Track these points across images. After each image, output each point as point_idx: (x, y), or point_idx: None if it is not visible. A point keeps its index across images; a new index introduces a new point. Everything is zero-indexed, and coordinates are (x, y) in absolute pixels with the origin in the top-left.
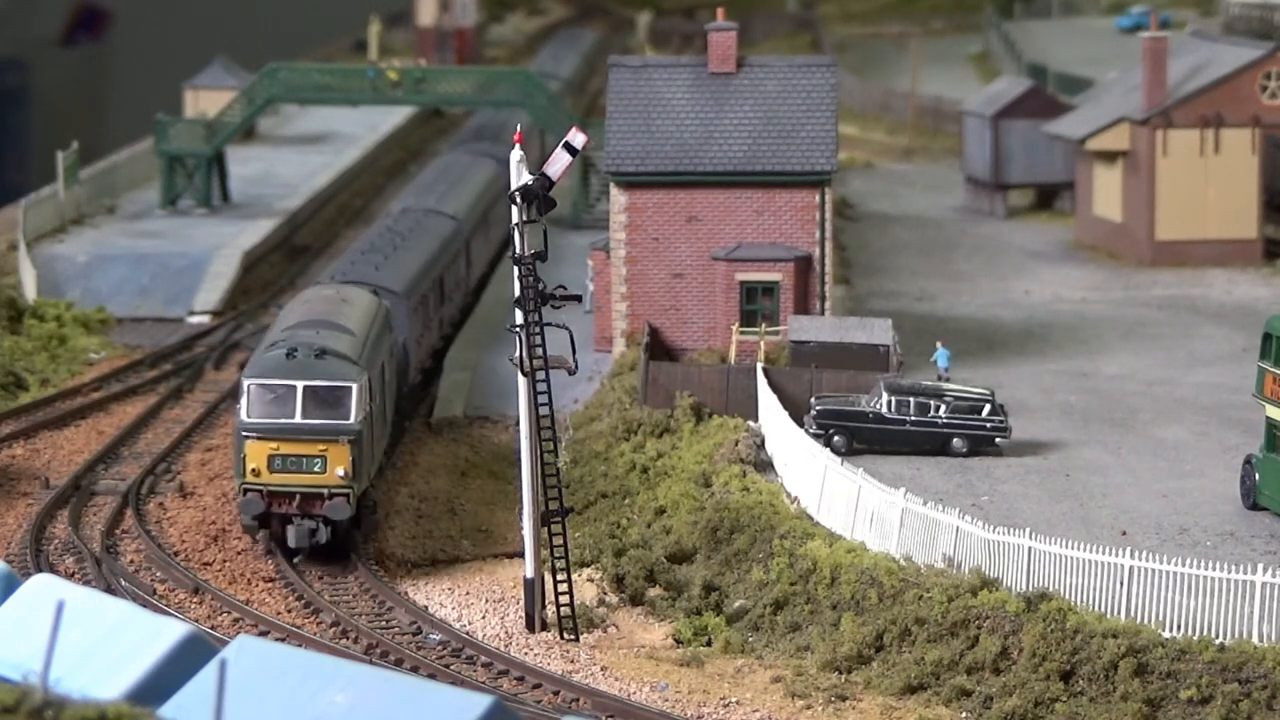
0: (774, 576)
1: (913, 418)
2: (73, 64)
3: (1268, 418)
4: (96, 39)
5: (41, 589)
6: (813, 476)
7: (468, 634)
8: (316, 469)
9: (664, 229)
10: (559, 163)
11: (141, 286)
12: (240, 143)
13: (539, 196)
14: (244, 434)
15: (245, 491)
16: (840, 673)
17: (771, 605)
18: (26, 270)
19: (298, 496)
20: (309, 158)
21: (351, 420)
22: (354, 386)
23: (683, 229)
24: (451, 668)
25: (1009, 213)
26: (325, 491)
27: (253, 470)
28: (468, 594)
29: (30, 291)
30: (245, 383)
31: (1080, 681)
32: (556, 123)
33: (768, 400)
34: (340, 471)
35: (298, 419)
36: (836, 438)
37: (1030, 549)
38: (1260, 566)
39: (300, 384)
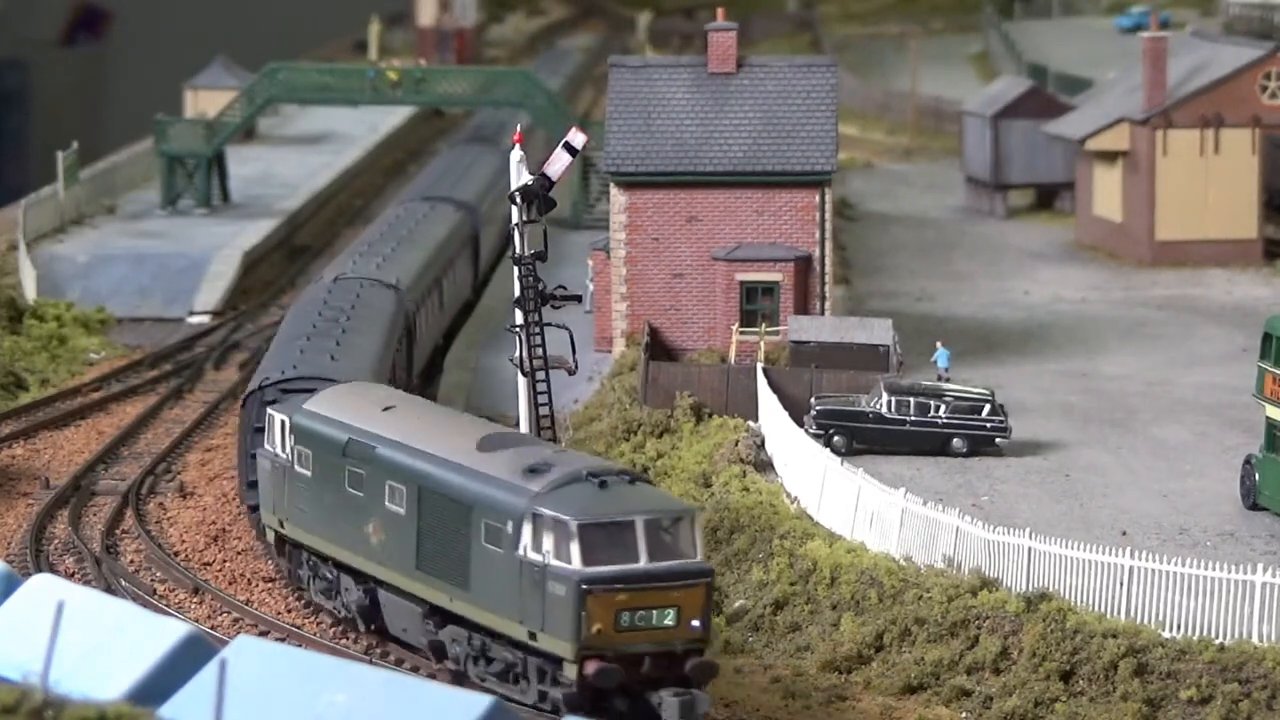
0: (774, 576)
1: (913, 418)
2: (73, 64)
3: (1268, 418)
4: (96, 39)
5: (41, 589)
6: (813, 476)
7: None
8: (668, 622)
9: (664, 229)
10: (559, 163)
11: (141, 286)
12: (240, 143)
13: (539, 196)
14: (584, 587)
15: (584, 659)
16: (840, 673)
17: (771, 605)
18: (26, 270)
19: (647, 660)
20: (309, 158)
21: (699, 557)
22: (696, 515)
23: (683, 229)
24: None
25: (1009, 213)
26: (677, 648)
27: (596, 631)
28: None
29: (30, 291)
30: (570, 524)
31: (1080, 681)
32: (556, 123)
33: (768, 400)
34: (695, 623)
35: (644, 563)
36: (836, 438)
37: (1030, 549)
38: (1260, 566)
39: (640, 519)
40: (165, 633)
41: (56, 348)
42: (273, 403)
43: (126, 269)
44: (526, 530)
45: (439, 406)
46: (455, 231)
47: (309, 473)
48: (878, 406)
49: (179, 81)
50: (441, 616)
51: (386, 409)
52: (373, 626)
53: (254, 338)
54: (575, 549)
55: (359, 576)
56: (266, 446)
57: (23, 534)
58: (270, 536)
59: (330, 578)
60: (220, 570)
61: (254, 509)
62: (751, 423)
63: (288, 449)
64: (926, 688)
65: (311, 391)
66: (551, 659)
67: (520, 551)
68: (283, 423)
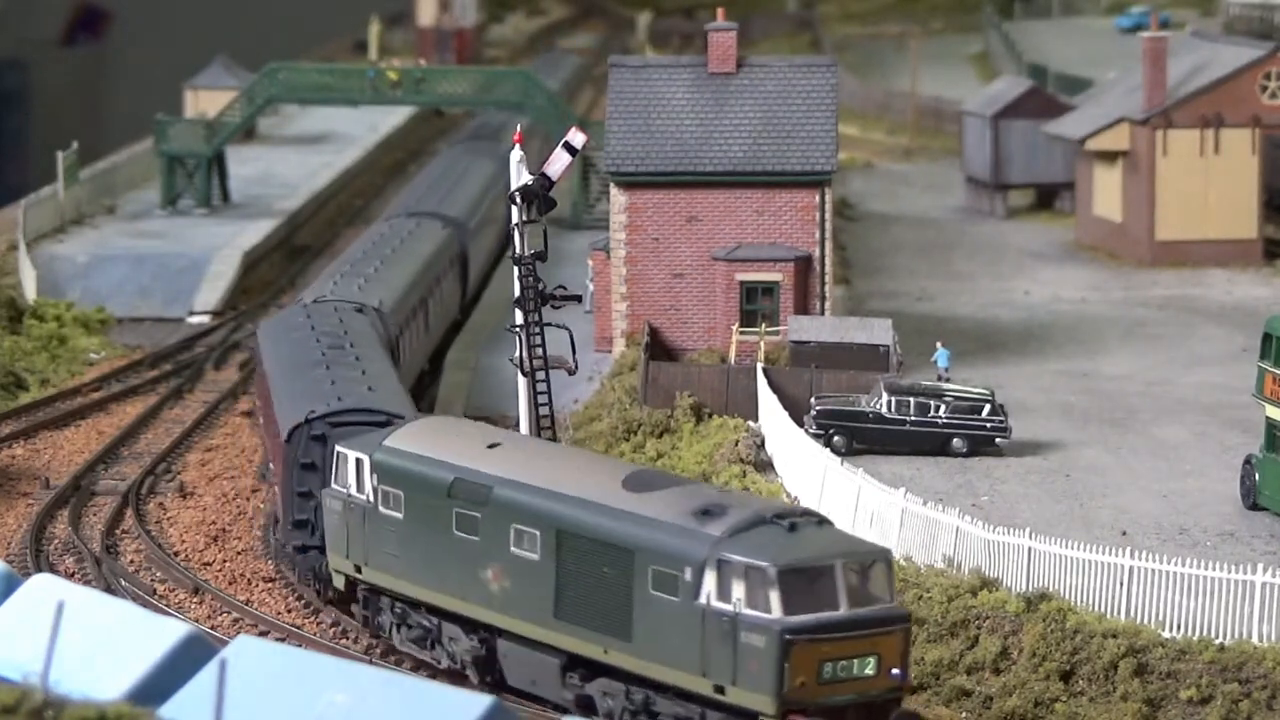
0: None
1: (913, 418)
2: (73, 64)
3: (1268, 418)
4: (96, 39)
5: (41, 589)
6: (813, 476)
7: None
8: (869, 671)
9: (664, 229)
10: (559, 162)
11: (141, 286)
12: (240, 143)
13: (539, 196)
14: (787, 637)
15: (785, 714)
16: None
17: None
18: (26, 270)
19: (848, 712)
20: (309, 158)
21: (894, 600)
22: (889, 557)
23: (683, 229)
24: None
25: (1009, 213)
26: (877, 698)
27: (800, 684)
28: None
29: (30, 291)
30: (769, 570)
31: (1080, 681)
32: (556, 123)
33: (768, 400)
34: (895, 671)
35: (844, 610)
36: (836, 438)
37: (1030, 549)
38: (1260, 566)
39: (839, 562)
40: (165, 633)
41: (56, 348)
42: (319, 437)
43: (126, 269)
44: (710, 577)
45: (548, 443)
46: (442, 250)
47: (399, 515)
48: (878, 406)
49: (179, 81)
50: (587, 668)
51: (492, 446)
52: (489, 678)
53: (254, 338)
54: (775, 597)
55: (470, 625)
56: (334, 486)
57: (23, 534)
58: (338, 581)
59: (429, 625)
60: (220, 570)
61: (302, 550)
62: (751, 423)
63: (367, 489)
64: (926, 688)
65: (361, 425)
66: (744, 714)
67: (702, 600)
68: (358, 461)
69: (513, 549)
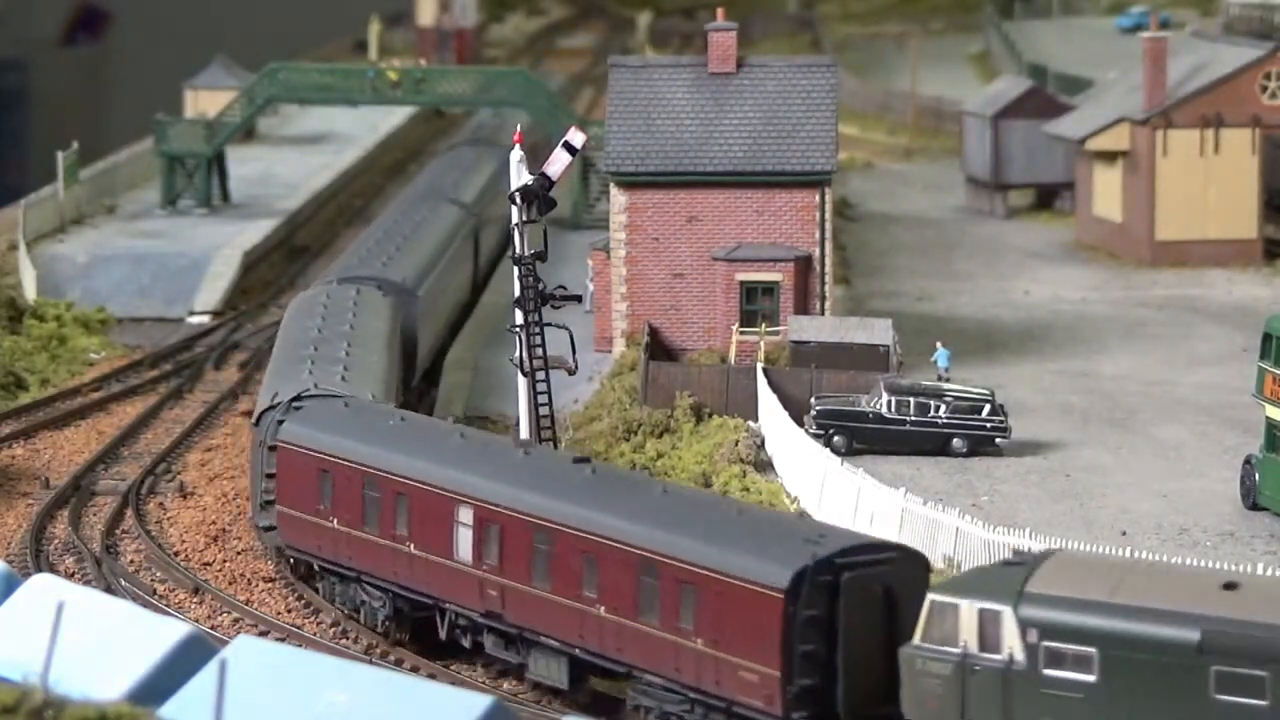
0: None
1: (913, 418)
2: (73, 64)
3: (1268, 418)
4: (96, 39)
5: (41, 589)
6: (813, 476)
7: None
8: None
9: (664, 229)
10: (559, 162)
11: (141, 286)
12: (240, 143)
13: (539, 196)
14: None
15: None
16: None
17: None
18: (26, 270)
19: None
20: (309, 158)
21: None
22: None
23: (683, 229)
24: (451, 667)
25: (1009, 213)
26: None
27: None
28: None
29: (30, 291)
30: None
31: None
32: (556, 123)
33: (768, 400)
34: None
35: None
36: (836, 438)
37: (1031, 550)
38: (1260, 566)
39: None
40: (165, 633)
41: (56, 348)
42: (828, 585)
43: (126, 269)
44: None
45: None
46: (393, 327)
47: (1088, 677)
48: (878, 406)
49: (179, 81)
50: None
51: (1228, 586)
52: None
53: (254, 337)
54: None
55: None
56: (927, 644)
57: (23, 534)
58: None
59: None
60: (220, 570)
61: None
62: (751, 423)
63: (1009, 647)
64: None
65: (863, 565)
66: None
67: None
68: (987, 613)
69: None
